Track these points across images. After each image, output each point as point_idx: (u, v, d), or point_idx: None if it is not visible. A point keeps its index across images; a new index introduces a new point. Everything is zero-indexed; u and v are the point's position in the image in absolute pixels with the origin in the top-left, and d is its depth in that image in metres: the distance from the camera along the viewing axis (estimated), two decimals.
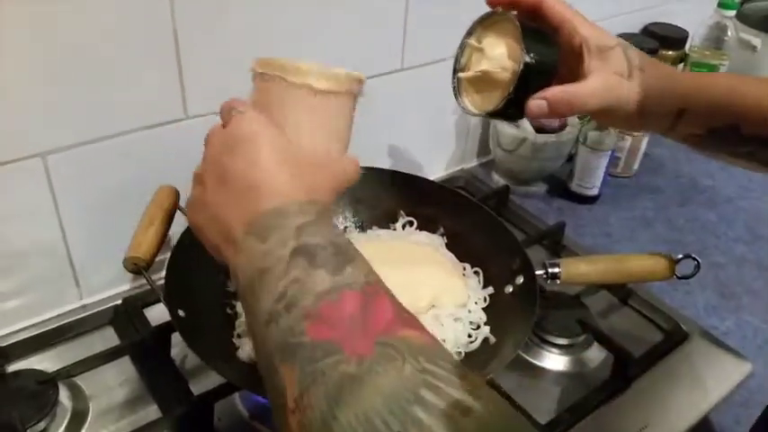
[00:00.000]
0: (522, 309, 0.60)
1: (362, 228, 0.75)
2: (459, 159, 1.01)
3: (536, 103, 0.48)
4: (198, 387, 0.59)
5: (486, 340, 0.62)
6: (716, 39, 1.08)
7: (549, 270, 0.67)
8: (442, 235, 0.73)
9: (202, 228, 0.41)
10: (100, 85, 0.61)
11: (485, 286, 0.68)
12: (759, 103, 0.51)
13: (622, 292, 0.77)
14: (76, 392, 0.61)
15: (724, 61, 1.08)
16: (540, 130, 0.92)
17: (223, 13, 0.65)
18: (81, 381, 0.61)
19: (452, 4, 0.73)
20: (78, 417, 0.59)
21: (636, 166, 1.03)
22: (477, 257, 0.70)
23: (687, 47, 1.12)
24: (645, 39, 1.07)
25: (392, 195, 0.74)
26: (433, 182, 0.80)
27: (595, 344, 0.69)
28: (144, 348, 0.64)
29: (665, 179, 1.04)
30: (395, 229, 0.74)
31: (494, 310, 0.65)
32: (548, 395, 0.65)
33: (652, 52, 1.02)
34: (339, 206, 0.74)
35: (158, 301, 0.64)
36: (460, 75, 0.53)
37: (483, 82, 0.51)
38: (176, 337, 0.62)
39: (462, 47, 0.53)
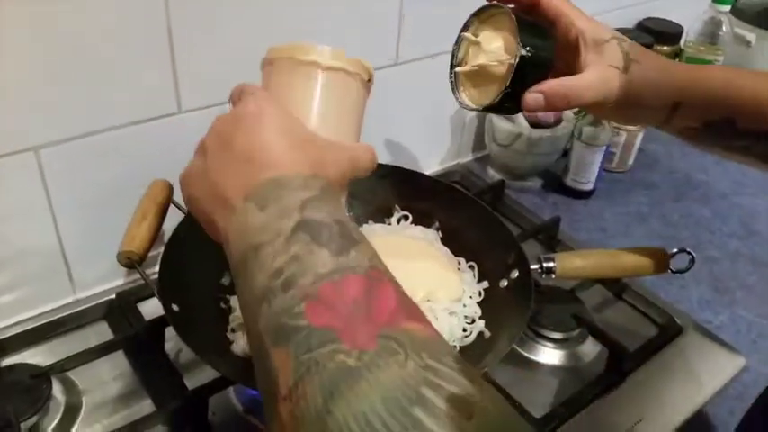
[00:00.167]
0: (516, 303, 0.60)
1: (357, 222, 0.75)
2: (454, 154, 1.01)
3: (533, 96, 0.48)
4: (192, 381, 0.59)
5: (480, 334, 0.62)
6: (711, 34, 1.08)
7: (544, 264, 0.67)
8: (438, 229, 0.73)
9: (198, 198, 0.39)
10: (93, 80, 0.60)
11: (480, 280, 0.68)
12: (755, 96, 0.51)
13: (617, 286, 0.77)
14: (70, 387, 0.60)
15: (719, 56, 1.08)
16: (535, 125, 0.92)
17: (217, 8, 0.64)
18: (74, 375, 0.61)
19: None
20: (71, 411, 0.59)
21: (631, 162, 1.03)
22: (472, 252, 0.70)
23: (682, 42, 1.12)
24: (640, 34, 1.07)
25: (387, 190, 0.74)
26: (428, 176, 0.79)
27: (590, 338, 0.70)
28: (138, 343, 0.63)
29: (660, 175, 1.04)
30: (390, 224, 0.74)
31: (489, 305, 0.65)
32: (543, 389, 0.65)
33: (647, 47, 1.01)
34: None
35: (152, 295, 0.64)
36: (457, 69, 0.53)
37: (480, 76, 0.51)
38: (170, 332, 0.62)
39: (459, 41, 0.53)
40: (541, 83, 0.48)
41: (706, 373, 0.68)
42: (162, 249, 0.59)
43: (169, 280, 0.57)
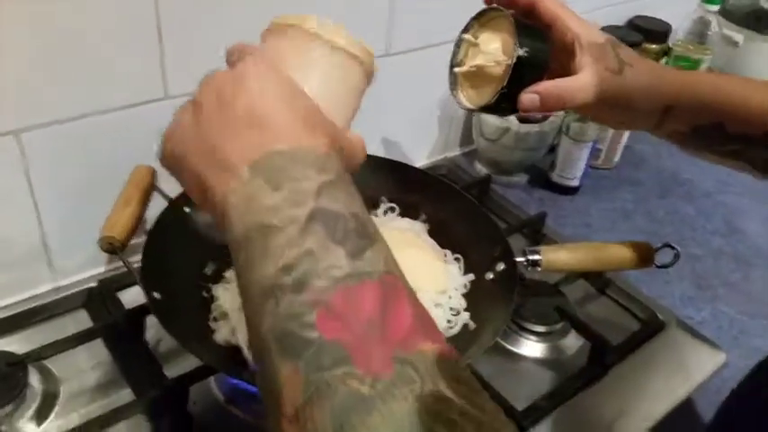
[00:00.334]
0: (501, 296, 0.61)
1: None
2: (441, 148, 1.01)
3: (528, 96, 0.49)
4: (172, 371, 0.58)
5: (465, 326, 0.62)
6: (699, 33, 1.09)
7: (530, 257, 0.67)
8: (424, 222, 0.73)
9: (186, 155, 0.35)
10: (77, 64, 0.59)
11: (465, 273, 0.68)
12: (744, 102, 0.52)
13: (600, 281, 0.77)
14: (47, 375, 0.59)
15: (707, 56, 1.09)
16: (523, 120, 0.92)
17: None
18: (52, 364, 0.60)
19: None
20: (49, 399, 0.58)
21: (617, 159, 1.04)
22: (458, 244, 0.70)
23: (670, 41, 1.13)
24: (629, 32, 1.08)
25: (375, 181, 0.73)
26: (416, 168, 0.79)
27: (573, 332, 0.70)
28: (117, 331, 0.62)
29: (646, 172, 1.05)
30: (376, 215, 0.74)
31: (474, 297, 0.65)
32: (525, 382, 0.65)
33: (635, 45, 1.02)
34: None
35: (133, 284, 0.63)
36: (456, 69, 0.54)
37: (478, 77, 0.53)
38: (151, 321, 0.61)
39: (459, 42, 0.54)
40: (537, 84, 0.49)
41: (687, 368, 0.69)
42: (144, 238, 0.58)
43: (152, 267, 0.56)
